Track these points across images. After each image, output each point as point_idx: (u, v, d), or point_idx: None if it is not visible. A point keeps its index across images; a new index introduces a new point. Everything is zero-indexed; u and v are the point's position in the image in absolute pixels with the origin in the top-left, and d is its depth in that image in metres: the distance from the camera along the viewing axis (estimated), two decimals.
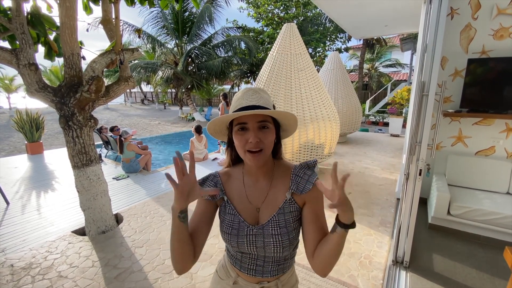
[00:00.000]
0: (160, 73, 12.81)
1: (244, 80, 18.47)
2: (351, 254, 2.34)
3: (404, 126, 8.66)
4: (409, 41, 11.64)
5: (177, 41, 13.62)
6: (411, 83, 12.90)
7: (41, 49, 2.67)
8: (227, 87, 21.74)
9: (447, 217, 2.57)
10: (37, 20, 2.42)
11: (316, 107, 3.90)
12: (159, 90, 18.54)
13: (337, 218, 0.70)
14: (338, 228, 0.69)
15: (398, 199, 3.45)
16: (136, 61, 13.64)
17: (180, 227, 0.72)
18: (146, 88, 25.42)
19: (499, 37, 2.74)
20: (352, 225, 0.69)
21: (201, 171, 4.80)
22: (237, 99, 0.80)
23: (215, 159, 5.61)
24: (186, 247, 0.75)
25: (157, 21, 12.97)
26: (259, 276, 0.84)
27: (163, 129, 11.37)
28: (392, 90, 13.80)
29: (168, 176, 0.64)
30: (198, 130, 5.60)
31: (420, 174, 1.94)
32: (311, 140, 3.88)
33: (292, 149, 3.88)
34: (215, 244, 2.50)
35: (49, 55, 2.68)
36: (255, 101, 0.76)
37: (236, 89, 20.38)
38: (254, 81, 17.34)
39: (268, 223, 0.80)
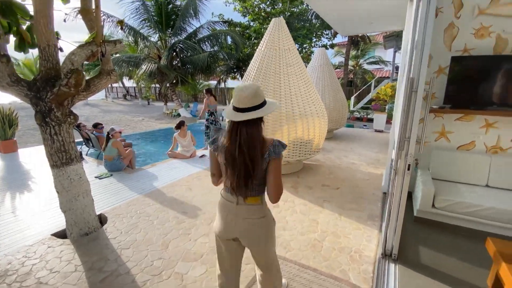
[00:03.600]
0: (143, 67, 12.38)
1: (230, 75, 18.26)
2: (341, 249, 2.37)
3: (388, 122, 8.92)
4: (392, 39, 11.95)
5: (160, 34, 13.19)
6: (393, 80, 13.28)
7: (12, 39, 2.46)
8: (213, 82, 21.42)
9: (431, 210, 2.66)
10: (8, 8, 2.23)
11: (305, 103, 3.89)
12: (142, 85, 17.97)
13: None
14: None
15: (385, 193, 3.54)
16: (118, 55, 13.10)
17: None
18: (129, 83, 24.56)
19: (480, 36, 2.83)
20: None
21: (188, 169, 4.68)
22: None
23: (202, 155, 5.50)
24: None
25: (140, 12, 12.48)
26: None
27: (147, 126, 11.03)
28: (375, 86, 14.16)
29: None
30: (178, 126, 5.39)
31: (408, 169, 1.97)
32: (300, 137, 3.89)
33: None
34: (205, 243, 2.45)
35: (20, 46, 2.48)
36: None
37: (222, 84, 20.11)
38: (241, 77, 17.18)
39: None
